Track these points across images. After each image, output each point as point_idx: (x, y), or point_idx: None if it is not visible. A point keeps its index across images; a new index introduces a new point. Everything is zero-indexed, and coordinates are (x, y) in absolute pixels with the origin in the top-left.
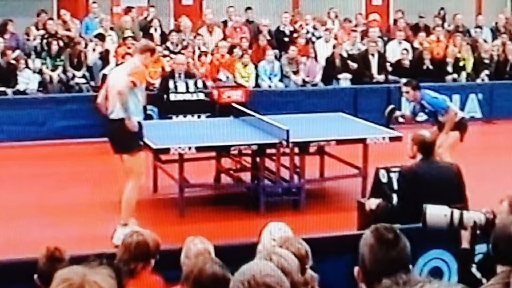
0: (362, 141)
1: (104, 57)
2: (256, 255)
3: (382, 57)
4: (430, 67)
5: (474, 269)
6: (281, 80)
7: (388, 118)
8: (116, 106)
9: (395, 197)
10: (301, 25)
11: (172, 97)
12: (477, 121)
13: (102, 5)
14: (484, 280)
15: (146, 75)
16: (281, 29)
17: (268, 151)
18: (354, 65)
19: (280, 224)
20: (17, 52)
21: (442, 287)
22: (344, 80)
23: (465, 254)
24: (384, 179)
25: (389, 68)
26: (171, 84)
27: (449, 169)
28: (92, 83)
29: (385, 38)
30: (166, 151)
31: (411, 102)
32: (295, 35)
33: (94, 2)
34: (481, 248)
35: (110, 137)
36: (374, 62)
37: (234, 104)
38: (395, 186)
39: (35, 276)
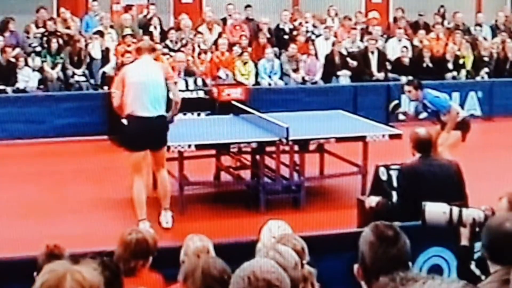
0: (362, 138)
1: (104, 55)
2: (255, 253)
3: (381, 55)
4: (430, 65)
5: (473, 266)
6: (281, 78)
7: (392, 113)
8: (160, 103)
9: (394, 195)
10: (300, 23)
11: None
12: (476, 118)
13: (101, 2)
14: (483, 277)
15: None
16: (281, 27)
17: (268, 149)
18: (354, 63)
19: (279, 222)
20: (17, 50)
21: (445, 284)
22: (344, 78)
23: (464, 251)
24: (384, 177)
25: (389, 66)
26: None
27: (449, 167)
28: (92, 81)
29: (385, 36)
30: (166, 149)
31: (413, 101)
32: (294, 33)
33: (94, 0)
34: (480, 245)
35: (153, 134)
36: (373, 59)
37: (234, 102)
38: (395, 183)
39: (35, 274)
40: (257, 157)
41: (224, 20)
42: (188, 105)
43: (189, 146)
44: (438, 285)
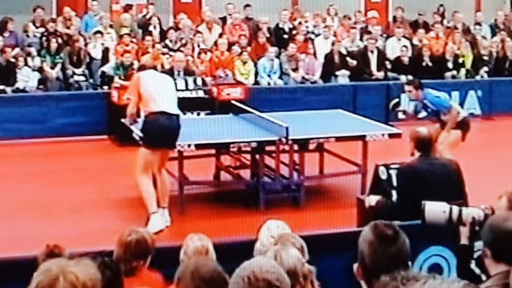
0: (362, 138)
1: (104, 55)
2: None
3: (381, 54)
4: (430, 64)
5: (473, 265)
6: (280, 77)
7: (392, 111)
8: (175, 103)
9: (394, 194)
10: (300, 23)
11: None
12: (476, 117)
13: (101, 2)
14: (483, 277)
15: None
16: (280, 26)
17: (268, 148)
18: (353, 62)
19: (278, 222)
20: (16, 50)
21: (446, 283)
22: (343, 77)
23: (464, 250)
24: (384, 176)
25: (389, 65)
26: None
27: (449, 166)
28: (91, 80)
29: (385, 35)
30: None
31: (414, 101)
32: (294, 32)
33: (94, 0)
34: (480, 244)
35: (173, 131)
36: (373, 59)
37: (233, 102)
38: (395, 182)
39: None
40: (257, 156)
41: (223, 20)
42: (188, 105)
43: (189, 145)
44: (439, 285)
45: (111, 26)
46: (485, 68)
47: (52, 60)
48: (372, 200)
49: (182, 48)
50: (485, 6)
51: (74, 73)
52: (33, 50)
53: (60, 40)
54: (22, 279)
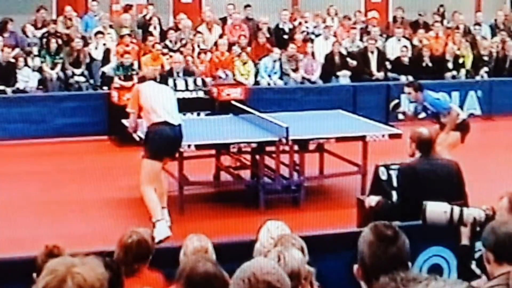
0: (362, 138)
1: (105, 55)
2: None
3: (381, 54)
4: (430, 64)
5: (473, 266)
6: (280, 78)
7: (392, 112)
8: (177, 113)
9: (394, 194)
10: (300, 23)
11: None
12: (476, 118)
13: (101, 2)
14: (484, 277)
15: None
16: (280, 26)
17: (268, 148)
18: (354, 63)
19: (278, 223)
20: (16, 50)
21: (448, 285)
22: (343, 77)
23: (465, 251)
24: (384, 176)
25: (389, 66)
26: (170, 82)
27: (449, 166)
28: (92, 81)
29: (384, 35)
30: None
31: (413, 103)
32: (294, 32)
33: (94, 0)
34: (481, 244)
35: (177, 141)
36: (373, 59)
37: (233, 102)
38: (395, 183)
39: (34, 274)
40: (257, 157)
41: (224, 20)
42: (188, 105)
43: (189, 146)
44: (441, 287)
45: (111, 26)
46: (485, 69)
47: (52, 60)
48: (372, 200)
49: (182, 49)
50: (485, 6)
51: (74, 74)
52: (34, 50)
53: (60, 41)
54: (22, 279)
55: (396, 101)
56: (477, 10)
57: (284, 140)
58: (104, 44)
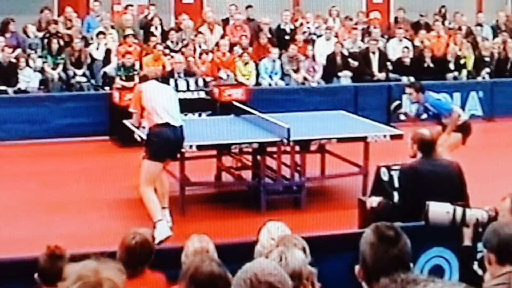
0: (363, 139)
1: (106, 56)
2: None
3: (382, 55)
4: (431, 65)
5: (475, 266)
6: (281, 78)
7: (393, 113)
8: (179, 114)
9: (396, 195)
10: (301, 23)
11: None
12: (477, 119)
13: (103, 3)
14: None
15: None
16: (282, 27)
17: (269, 149)
18: (355, 63)
19: (278, 223)
20: (18, 50)
21: (446, 287)
22: (345, 78)
23: (467, 252)
24: (385, 177)
25: (390, 66)
26: (172, 82)
27: (450, 167)
28: (93, 81)
29: (386, 36)
30: None
31: (415, 104)
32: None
33: (95, 1)
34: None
35: (178, 144)
36: (375, 60)
37: (234, 102)
38: (396, 184)
39: (36, 274)
40: (258, 157)
41: (226, 21)
42: (189, 106)
43: (190, 146)
44: None
45: (112, 27)
46: (487, 69)
47: (54, 61)
48: (373, 201)
49: (183, 49)
50: (486, 7)
51: (75, 74)
52: (38, 51)
53: (61, 41)
54: (22, 279)
55: (397, 102)
56: (479, 11)
57: (285, 141)
58: (106, 45)
